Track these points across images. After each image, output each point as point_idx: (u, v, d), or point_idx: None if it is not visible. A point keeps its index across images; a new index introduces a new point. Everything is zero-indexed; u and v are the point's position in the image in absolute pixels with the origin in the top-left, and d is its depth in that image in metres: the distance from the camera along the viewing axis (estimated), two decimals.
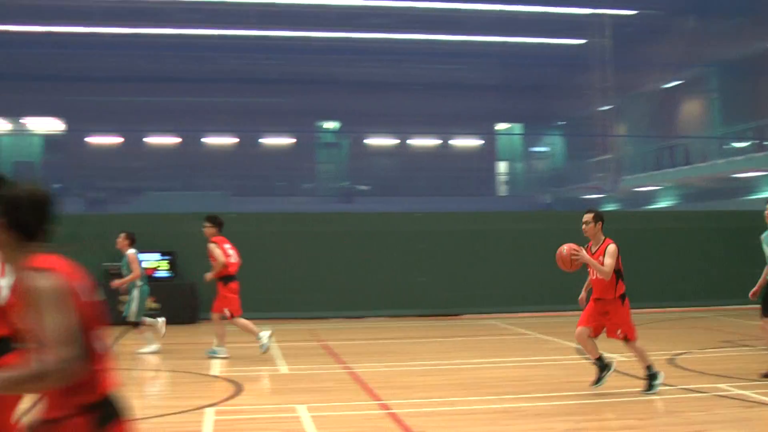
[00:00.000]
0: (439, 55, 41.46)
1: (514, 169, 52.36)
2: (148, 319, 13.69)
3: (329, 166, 49.36)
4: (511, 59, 42.28)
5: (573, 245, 9.15)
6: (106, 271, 18.15)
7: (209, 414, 8.57)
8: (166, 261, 18.59)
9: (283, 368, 11.79)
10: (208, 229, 13.05)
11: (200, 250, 18.85)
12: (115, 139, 48.33)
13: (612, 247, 9.14)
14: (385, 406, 8.79)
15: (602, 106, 41.93)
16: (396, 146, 50.42)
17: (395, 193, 43.88)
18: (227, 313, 12.83)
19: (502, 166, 52.26)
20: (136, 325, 13.59)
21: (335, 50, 40.10)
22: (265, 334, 12.51)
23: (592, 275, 9.25)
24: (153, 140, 48.15)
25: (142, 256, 18.44)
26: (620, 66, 39.95)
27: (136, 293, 13.49)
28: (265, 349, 12.50)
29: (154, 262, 18.53)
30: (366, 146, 50.00)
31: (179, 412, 8.70)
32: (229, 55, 41.52)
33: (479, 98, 45.09)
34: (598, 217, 9.34)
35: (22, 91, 43.78)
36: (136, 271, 13.40)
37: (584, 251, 9.14)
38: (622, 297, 9.20)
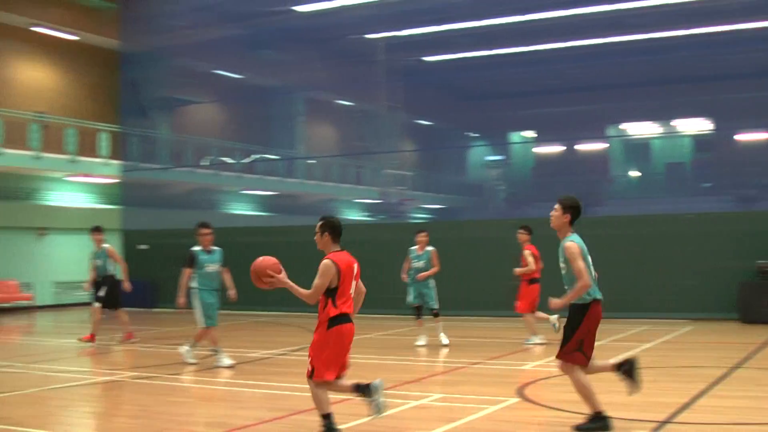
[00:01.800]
0: None
1: None
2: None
3: None
4: None
5: (270, 263, 7.17)
6: (759, 270, 18.31)
7: None
8: None
9: None
10: (523, 236, 14.21)
11: None
12: (765, 135, 47.59)
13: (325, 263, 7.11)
14: None
15: None
16: None
17: None
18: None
19: None
20: (436, 314, 14.87)
21: None
22: (536, 339, 14.45)
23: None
24: None
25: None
26: None
27: (432, 283, 14.80)
28: (531, 343, 14.35)
29: None
30: None
31: None
32: None
33: None
34: None
35: (671, 94, 45.59)
36: (437, 266, 14.66)
37: (282, 275, 7.15)
38: (331, 322, 7.11)
